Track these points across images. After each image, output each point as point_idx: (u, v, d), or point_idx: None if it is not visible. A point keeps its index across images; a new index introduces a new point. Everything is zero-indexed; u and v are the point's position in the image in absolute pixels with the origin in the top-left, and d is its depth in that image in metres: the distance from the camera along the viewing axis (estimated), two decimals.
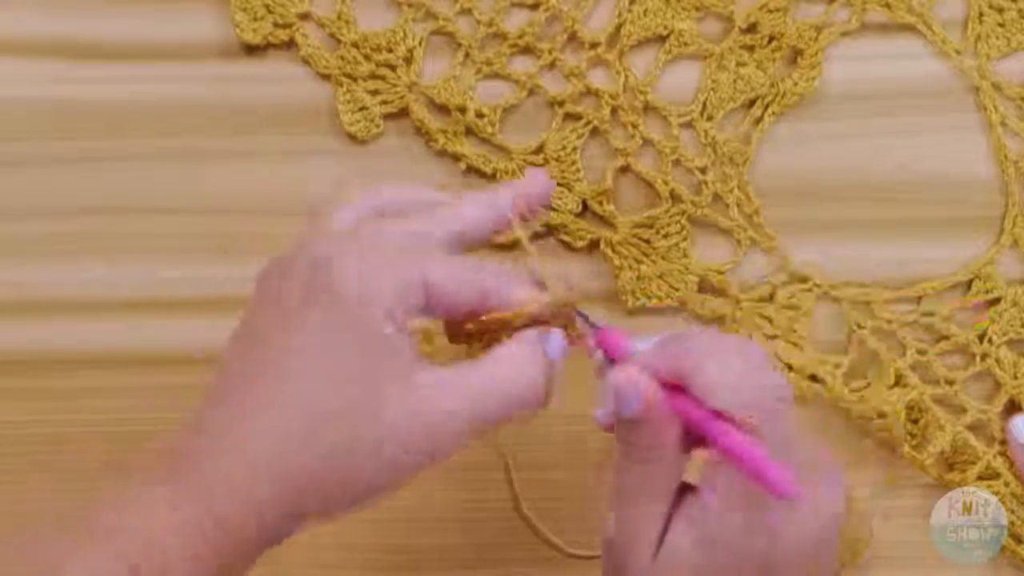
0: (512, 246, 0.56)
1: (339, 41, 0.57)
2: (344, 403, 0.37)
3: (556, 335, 0.41)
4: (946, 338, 0.55)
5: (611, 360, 0.41)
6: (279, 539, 0.38)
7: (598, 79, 0.57)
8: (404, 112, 0.57)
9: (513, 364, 0.40)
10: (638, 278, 0.56)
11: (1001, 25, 0.57)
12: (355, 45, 0.57)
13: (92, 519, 0.36)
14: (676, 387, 0.39)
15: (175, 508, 0.36)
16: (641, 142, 0.57)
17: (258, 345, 0.39)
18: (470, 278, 0.40)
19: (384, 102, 0.57)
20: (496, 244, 0.56)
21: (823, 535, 0.39)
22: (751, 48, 0.57)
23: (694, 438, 0.39)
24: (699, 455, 0.39)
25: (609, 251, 0.56)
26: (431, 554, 0.55)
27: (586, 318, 0.42)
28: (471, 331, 0.41)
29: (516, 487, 0.55)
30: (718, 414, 0.38)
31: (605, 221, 0.56)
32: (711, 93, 0.57)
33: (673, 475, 0.39)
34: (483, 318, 0.41)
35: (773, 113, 0.57)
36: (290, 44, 0.58)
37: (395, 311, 0.38)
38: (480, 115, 0.57)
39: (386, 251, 0.39)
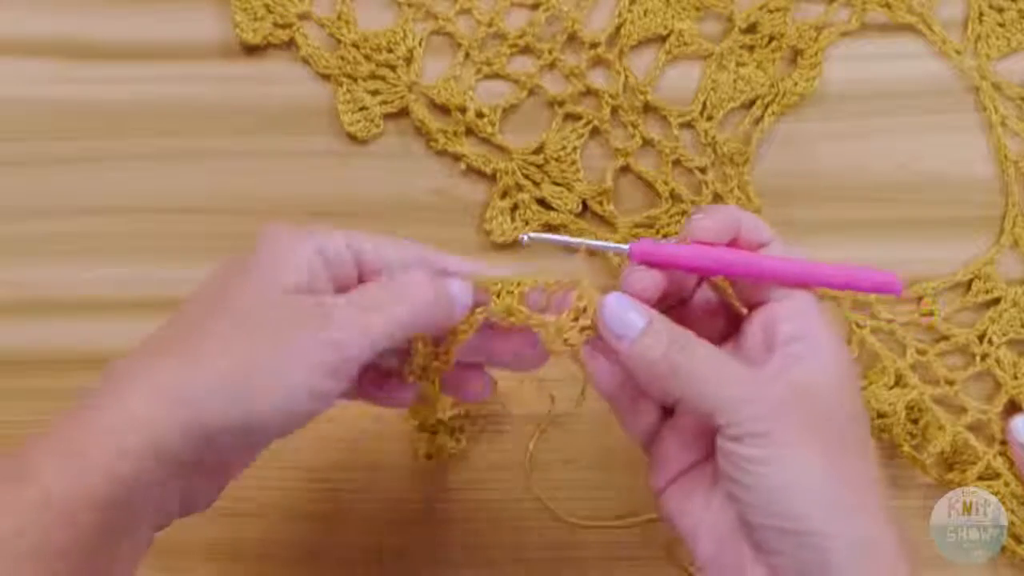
0: (511, 245, 0.57)
1: (339, 41, 0.57)
2: (232, 327, 0.38)
3: (459, 284, 0.42)
4: (946, 338, 0.55)
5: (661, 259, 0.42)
6: (188, 460, 0.37)
7: (598, 79, 0.57)
8: (404, 112, 0.57)
9: (410, 286, 0.40)
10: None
11: (1001, 25, 0.57)
12: (355, 45, 0.57)
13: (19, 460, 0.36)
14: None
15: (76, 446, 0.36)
16: (641, 142, 0.57)
17: (184, 305, 0.41)
18: (406, 244, 0.42)
19: (384, 102, 0.57)
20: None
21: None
22: (751, 48, 0.57)
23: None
24: None
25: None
26: (432, 554, 0.55)
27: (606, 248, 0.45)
28: (423, 362, 0.43)
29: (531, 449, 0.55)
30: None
31: (605, 221, 0.56)
32: (711, 93, 0.57)
33: None
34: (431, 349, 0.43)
35: (773, 113, 0.57)
36: (290, 44, 0.58)
37: (307, 256, 0.39)
38: (480, 115, 0.57)
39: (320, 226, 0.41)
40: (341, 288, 0.40)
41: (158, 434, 0.35)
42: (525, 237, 0.44)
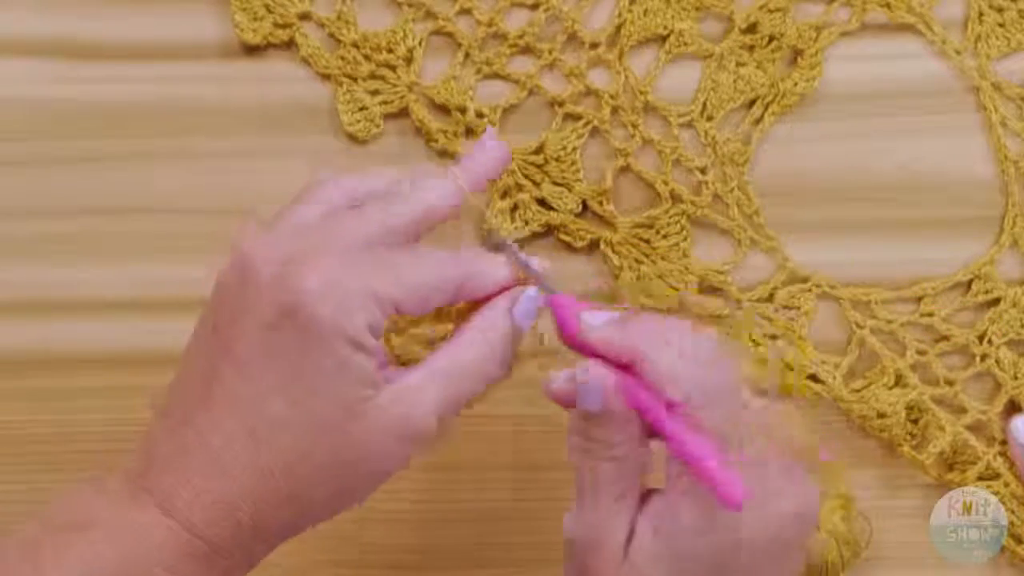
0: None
1: (339, 41, 0.57)
2: (314, 454, 0.37)
3: (530, 296, 0.41)
4: (946, 338, 0.55)
5: (561, 329, 0.41)
6: (251, 562, 0.39)
7: (598, 79, 0.57)
8: (404, 112, 0.57)
9: (477, 343, 0.40)
10: (638, 278, 0.56)
11: (1001, 25, 0.57)
12: (355, 45, 0.57)
13: (62, 536, 0.37)
14: (627, 370, 0.39)
15: (155, 528, 0.37)
16: (641, 142, 0.57)
17: (222, 356, 0.39)
18: (439, 281, 0.40)
19: (384, 102, 0.57)
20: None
21: (783, 535, 0.38)
22: (751, 48, 0.57)
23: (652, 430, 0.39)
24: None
25: (609, 251, 0.56)
26: (429, 554, 0.55)
27: (540, 281, 0.41)
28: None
29: None
30: (670, 404, 0.38)
31: (605, 221, 0.56)
32: (711, 93, 0.57)
33: (638, 470, 0.39)
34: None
35: (773, 113, 0.57)
36: (290, 44, 0.58)
37: (361, 335, 0.37)
38: (480, 115, 0.57)
39: (351, 264, 0.38)
40: None
41: (235, 550, 0.38)
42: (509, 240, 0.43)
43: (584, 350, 0.40)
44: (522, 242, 0.56)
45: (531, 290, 0.41)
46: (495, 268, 0.41)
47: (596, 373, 0.39)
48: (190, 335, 0.41)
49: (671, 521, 0.38)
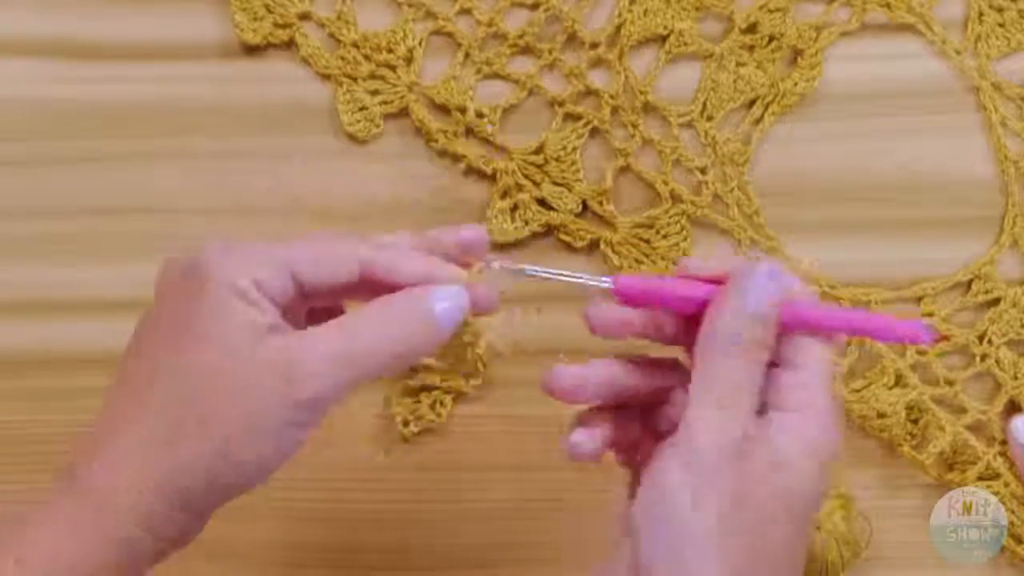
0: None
1: (339, 41, 0.57)
2: (201, 399, 0.37)
3: (451, 292, 0.40)
4: (946, 338, 0.55)
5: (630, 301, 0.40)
6: (183, 537, 0.39)
7: (598, 79, 0.57)
8: (404, 112, 0.57)
9: (375, 316, 0.39)
10: None
11: (1001, 25, 0.57)
12: (355, 45, 0.57)
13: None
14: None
15: (73, 528, 0.38)
16: (641, 142, 0.57)
17: (140, 351, 0.40)
18: (342, 252, 0.40)
19: (384, 102, 0.57)
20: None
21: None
22: (751, 48, 0.57)
23: None
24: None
25: (609, 251, 0.56)
26: (426, 554, 0.55)
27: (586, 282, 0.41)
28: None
29: None
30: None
31: (605, 221, 0.56)
32: (711, 93, 0.57)
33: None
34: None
35: (773, 113, 0.57)
36: (290, 44, 0.58)
37: (246, 287, 0.38)
38: (480, 115, 0.57)
39: (260, 242, 0.39)
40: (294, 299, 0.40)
41: (151, 518, 0.37)
42: (496, 264, 0.42)
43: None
44: (522, 242, 0.56)
45: (454, 288, 0.40)
46: (411, 259, 0.40)
47: (773, 270, 0.39)
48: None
49: (812, 434, 0.38)
